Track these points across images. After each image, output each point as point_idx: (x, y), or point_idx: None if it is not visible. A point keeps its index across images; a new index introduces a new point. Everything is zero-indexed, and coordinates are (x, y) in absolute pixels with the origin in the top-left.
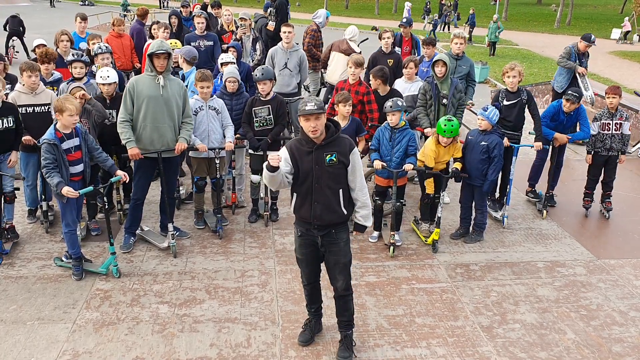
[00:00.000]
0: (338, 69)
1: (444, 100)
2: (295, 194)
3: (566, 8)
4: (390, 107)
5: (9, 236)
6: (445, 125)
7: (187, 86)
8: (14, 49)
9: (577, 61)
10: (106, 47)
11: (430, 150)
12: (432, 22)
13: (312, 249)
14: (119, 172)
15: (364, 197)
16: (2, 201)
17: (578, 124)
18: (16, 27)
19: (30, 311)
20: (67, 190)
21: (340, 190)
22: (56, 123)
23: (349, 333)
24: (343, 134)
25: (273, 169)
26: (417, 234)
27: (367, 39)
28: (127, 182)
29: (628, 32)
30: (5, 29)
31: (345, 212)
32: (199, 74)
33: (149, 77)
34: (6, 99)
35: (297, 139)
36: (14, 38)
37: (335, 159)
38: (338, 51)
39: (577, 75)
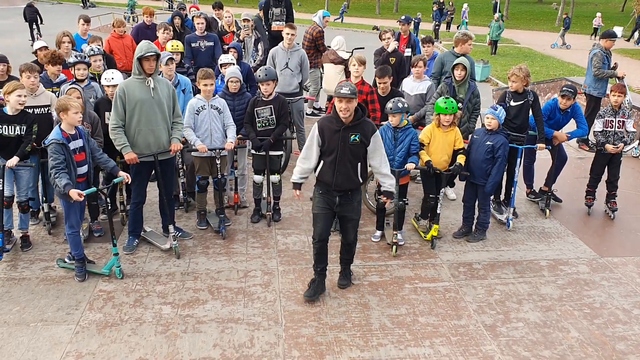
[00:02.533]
0: (330, 78)
1: (460, 105)
2: (322, 162)
3: (567, 6)
4: (391, 109)
5: (21, 245)
6: (444, 102)
7: (184, 90)
8: (40, 35)
9: (608, 62)
10: (98, 48)
11: (427, 130)
12: (416, 20)
13: (328, 207)
14: (122, 173)
15: (387, 169)
16: (19, 211)
17: (575, 121)
18: (33, 15)
19: (33, 313)
20: (74, 193)
21: (359, 164)
22: (60, 124)
23: (347, 267)
24: (367, 119)
25: (297, 186)
26: (416, 229)
27: (363, 48)
28: (129, 183)
29: (597, 28)
30: (25, 19)
31: (360, 180)
32: (202, 72)
33: (138, 80)
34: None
35: (327, 117)
36: (34, 26)
37: (358, 139)
38: (327, 62)
39: (617, 80)
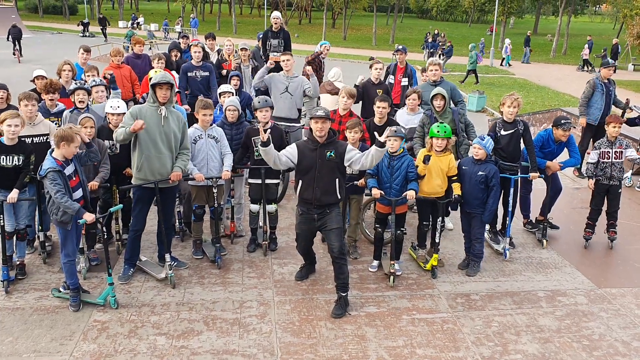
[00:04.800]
0: (327, 107)
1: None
2: (300, 181)
3: (562, 38)
4: (395, 132)
5: (16, 273)
6: (438, 127)
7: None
8: (20, 52)
9: (605, 89)
10: (100, 80)
11: (418, 159)
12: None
13: (309, 226)
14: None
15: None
16: (16, 238)
17: (567, 151)
18: (17, 34)
19: (26, 343)
20: (89, 216)
21: (337, 179)
22: (52, 152)
23: (343, 295)
24: (340, 140)
25: (265, 144)
26: (414, 258)
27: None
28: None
29: (586, 60)
30: (8, 38)
31: (339, 196)
32: (202, 102)
33: (152, 107)
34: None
35: (304, 140)
36: (16, 43)
37: (333, 155)
38: (324, 92)
39: (629, 107)
